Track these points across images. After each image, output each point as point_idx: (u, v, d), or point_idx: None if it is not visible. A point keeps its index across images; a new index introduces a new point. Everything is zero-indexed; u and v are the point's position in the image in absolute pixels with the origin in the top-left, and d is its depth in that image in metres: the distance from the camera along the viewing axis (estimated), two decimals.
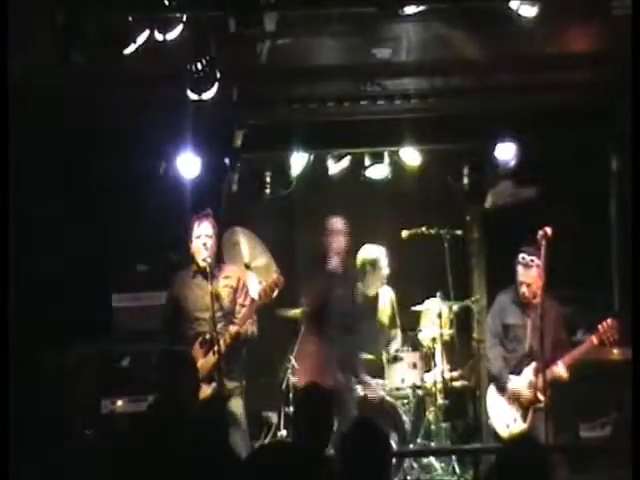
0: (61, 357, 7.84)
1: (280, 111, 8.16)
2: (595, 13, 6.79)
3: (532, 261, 7.31)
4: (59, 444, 7.30)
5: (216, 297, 6.96)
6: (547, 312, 7.17)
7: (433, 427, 8.25)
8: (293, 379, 8.05)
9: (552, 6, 6.55)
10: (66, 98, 7.42)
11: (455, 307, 8.47)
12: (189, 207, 7.80)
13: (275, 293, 7.08)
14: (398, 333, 8.77)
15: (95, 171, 8.25)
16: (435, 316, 8.37)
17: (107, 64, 6.62)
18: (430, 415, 8.31)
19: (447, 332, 8.40)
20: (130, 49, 6.41)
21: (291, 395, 7.96)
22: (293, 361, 8.11)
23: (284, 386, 8.10)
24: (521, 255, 7.38)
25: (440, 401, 8.25)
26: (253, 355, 7.51)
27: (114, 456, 5.37)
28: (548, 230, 7.04)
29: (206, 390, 6.74)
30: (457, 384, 8.61)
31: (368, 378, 8.26)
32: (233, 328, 6.95)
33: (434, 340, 8.45)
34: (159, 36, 6.37)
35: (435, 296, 8.39)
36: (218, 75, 6.74)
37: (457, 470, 8.03)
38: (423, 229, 8.32)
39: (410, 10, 6.69)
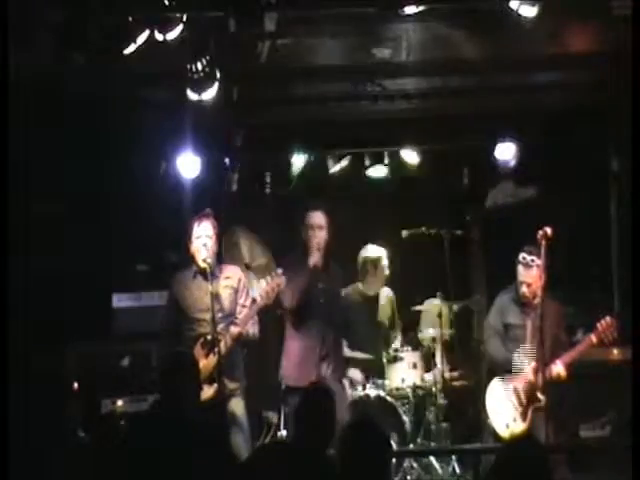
0: (61, 357, 7.84)
1: (280, 111, 8.17)
2: (595, 13, 6.79)
3: (532, 261, 7.30)
4: (59, 444, 7.29)
5: (217, 298, 6.94)
6: (547, 312, 7.17)
7: (433, 427, 8.25)
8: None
9: (552, 6, 6.55)
10: (66, 98, 7.42)
11: (455, 307, 8.47)
12: (189, 207, 7.81)
13: (276, 294, 7.04)
14: (398, 333, 8.78)
15: (95, 171, 8.25)
16: (435, 316, 8.37)
17: (107, 64, 6.62)
18: (430, 415, 8.30)
19: (447, 332, 8.40)
20: (130, 49, 6.40)
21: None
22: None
23: (283, 386, 8.09)
24: (521, 255, 7.37)
25: (440, 401, 8.25)
26: (253, 355, 7.51)
27: (114, 456, 5.38)
28: (548, 230, 7.04)
29: (207, 391, 6.73)
30: (457, 384, 8.61)
31: (356, 375, 8.27)
32: (234, 329, 6.93)
33: (434, 340, 8.46)
34: (159, 36, 6.37)
35: (435, 296, 8.39)
36: (218, 75, 6.74)
37: (457, 470, 8.03)
38: (423, 229, 8.31)
39: (410, 10, 6.69)
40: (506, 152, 8.29)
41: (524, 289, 7.41)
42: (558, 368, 7.21)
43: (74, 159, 8.08)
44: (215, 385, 6.78)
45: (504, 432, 7.34)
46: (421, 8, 6.71)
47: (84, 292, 8.20)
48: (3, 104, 5.84)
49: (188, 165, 8.05)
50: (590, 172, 8.64)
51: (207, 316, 6.88)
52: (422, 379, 8.36)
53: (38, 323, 7.74)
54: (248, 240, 8.07)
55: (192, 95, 6.80)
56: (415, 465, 8.00)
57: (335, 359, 7.62)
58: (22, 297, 7.26)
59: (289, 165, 8.61)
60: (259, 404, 8.28)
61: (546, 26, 6.81)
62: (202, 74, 6.66)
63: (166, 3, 6.33)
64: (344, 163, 8.73)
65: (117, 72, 6.97)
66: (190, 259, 7.13)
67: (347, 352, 8.31)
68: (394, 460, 7.60)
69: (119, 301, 8.35)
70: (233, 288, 7.13)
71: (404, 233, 8.38)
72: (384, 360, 8.31)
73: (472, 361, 8.75)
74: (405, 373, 8.30)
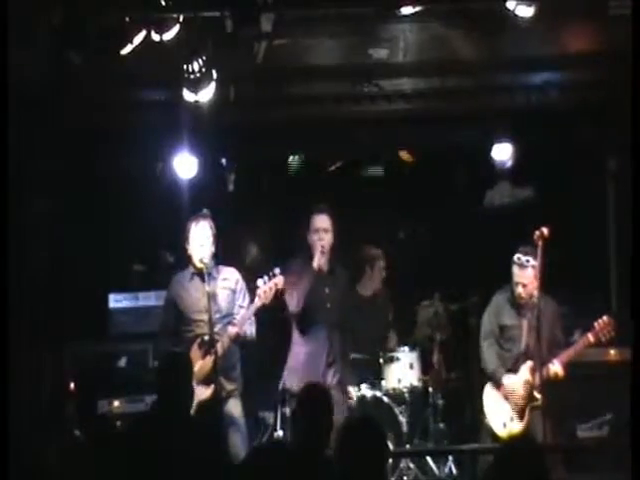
0: (58, 357, 7.83)
1: (277, 111, 8.16)
2: (592, 13, 6.79)
3: (527, 261, 7.29)
4: (55, 444, 7.28)
5: (214, 299, 6.94)
6: (543, 311, 7.16)
7: (430, 427, 8.26)
8: (287, 380, 8.05)
9: (549, 6, 6.56)
10: (64, 98, 7.41)
11: (452, 307, 8.48)
12: (186, 207, 7.80)
13: (274, 294, 7.03)
14: (395, 334, 8.77)
15: (92, 171, 8.25)
16: (432, 316, 8.38)
17: (104, 65, 6.61)
18: (427, 415, 8.31)
19: (444, 332, 8.40)
20: (127, 49, 6.40)
21: (287, 396, 7.95)
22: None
23: (280, 387, 8.09)
24: (516, 255, 7.37)
25: (437, 401, 8.26)
26: (251, 356, 7.50)
27: (110, 456, 5.37)
28: (545, 230, 7.03)
29: (205, 392, 6.73)
30: (454, 384, 8.62)
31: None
32: (232, 330, 6.93)
33: (431, 340, 8.45)
34: (156, 36, 6.37)
35: (432, 296, 8.39)
36: (215, 75, 6.74)
37: (454, 471, 8.03)
38: (420, 229, 8.31)
39: (407, 10, 6.69)
40: (503, 152, 8.29)
41: (519, 290, 7.40)
42: (556, 367, 7.21)
43: (71, 159, 8.07)
44: (212, 386, 6.78)
45: (502, 431, 7.35)
46: (418, 8, 6.71)
47: (81, 292, 8.20)
48: (3, 104, 5.82)
49: (185, 165, 8.05)
50: (587, 172, 8.65)
51: (204, 317, 6.88)
52: (419, 379, 8.35)
53: (34, 323, 7.72)
54: (245, 240, 8.06)
55: (189, 95, 6.80)
56: (412, 466, 8.01)
57: (342, 365, 7.54)
58: (19, 297, 7.25)
59: (286, 165, 8.61)
60: (256, 405, 8.27)
61: (543, 26, 6.81)
62: (199, 74, 6.66)
63: (162, 3, 6.33)
64: (341, 163, 8.73)
65: (114, 72, 6.97)
66: (187, 260, 7.13)
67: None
68: (391, 461, 7.60)
69: (116, 301, 8.35)
70: (231, 289, 7.13)
71: (401, 233, 8.38)
72: (381, 360, 8.31)
73: (469, 361, 8.74)
74: (402, 373, 8.29)
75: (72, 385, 7.82)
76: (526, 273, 7.33)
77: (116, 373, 8.04)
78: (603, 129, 8.21)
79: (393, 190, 9.03)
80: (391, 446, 7.62)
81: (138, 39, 6.38)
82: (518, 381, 7.33)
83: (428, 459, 8.17)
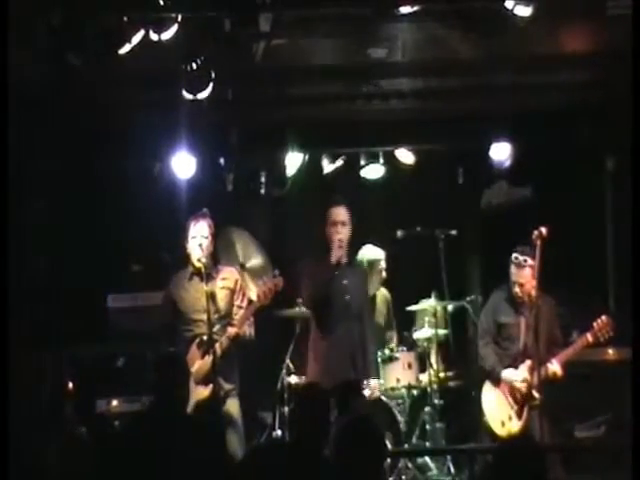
0: (57, 357, 7.83)
1: (275, 111, 8.16)
2: (590, 13, 6.80)
3: (525, 261, 7.30)
4: (53, 443, 7.28)
5: (213, 299, 6.93)
6: (541, 310, 7.16)
7: (428, 427, 8.26)
8: (288, 379, 8.04)
9: (547, 6, 6.56)
10: (64, 99, 7.42)
11: (450, 307, 8.48)
12: (185, 207, 7.80)
13: (274, 295, 7.02)
14: (393, 333, 8.78)
15: (91, 171, 8.25)
16: (430, 316, 8.38)
17: (103, 65, 6.61)
18: (425, 415, 8.31)
19: (442, 332, 8.41)
20: (125, 49, 6.40)
21: (286, 395, 7.96)
22: (288, 361, 8.11)
23: (279, 386, 8.10)
24: (514, 255, 7.38)
25: (435, 401, 8.25)
26: (249, 356, 7.50)
27: (109, 456, 5.37)
28: (543, 230, 7.03)
29: (203, 392, 6.73)
30: (452, 384, 8.63)
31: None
32: (231, 330, 6.92)
33: (429, 340, 8.45)
34: (154, 36, 6.37)
35: (430, 296, 8.39)
36: (213, 75, 6.74)
37: (452, 470, 8.04)
38: (418, 229, 8.30)
39: (405, 10, 6.70)
40: (501, 152, 8.30)
41: (517, 289, 7.41)
42: (554, 367, 7.22)
43: (70, 159, 8.07)
44: (211, 386, 6.78)
45: (500, 430, 7.35)
46: (416, 8, 6.71)
47: (80, 292, 8.20)
48: (3, 104, 5.82)
49: (183, 165, 8.06)
50: (585, 172, 8.65)
51: (203, 317, 6.87)
52: (417, 379, 8.36)
53: (33, 323, 7.73)
54: (243, 240, 8.05)
55: (187, 95, 6.80)
56: (410, 465, 8.01)
57: (364, 359, 7.43)
58: (18, 297, 7.26)
59: (284, 165, 8.60)
60: (255, 405, 8.28)
61: (541, 26, 6.81)
62: (197, 74, 6.67)
63: (161, 3, 6.33)
64: (339, 163, 8.72)
65: (112, 72, 6.97)
66: (186, 259, 7.12)
67: None
68: (389, 460, 7.60)
69: (114, 301, 8.34)
70: (229, 289, 7.12)
71: (399, 233, 8.37)
72: (379, 360, 8.30)
73: (467, 361, 8.75)
74: (400, 373, 8.30)
75: (70, 385, 7.82)
76: (523, 272, 7.34)
77: (114, 373, 8.03)
78: (602, 129, 8.21)
79: (391, 189, 9.02)
80: (389, 445, 7.62)
81: (136, 39, 6.38)
82: (516, 380, 7.33)
83: (426, 459, 8.17)
